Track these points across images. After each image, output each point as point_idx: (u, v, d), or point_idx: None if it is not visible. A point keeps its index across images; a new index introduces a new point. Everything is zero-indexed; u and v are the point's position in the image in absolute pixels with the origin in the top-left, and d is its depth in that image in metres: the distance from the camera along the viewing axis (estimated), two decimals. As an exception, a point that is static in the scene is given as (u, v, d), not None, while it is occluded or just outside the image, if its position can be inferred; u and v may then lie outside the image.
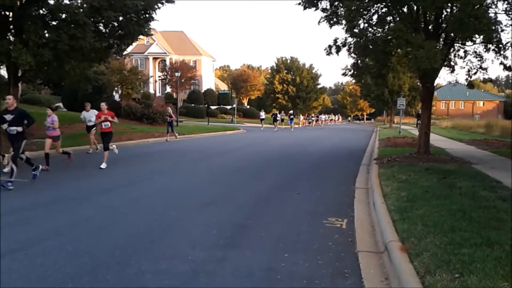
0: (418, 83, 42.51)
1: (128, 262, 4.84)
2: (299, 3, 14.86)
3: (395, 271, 4.54)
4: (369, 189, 9.43)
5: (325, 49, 15.00)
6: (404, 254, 4.76)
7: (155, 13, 18.13)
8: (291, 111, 48.62)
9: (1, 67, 17.24)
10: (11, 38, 16.34)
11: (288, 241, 5.73)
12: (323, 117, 74.85)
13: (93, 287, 4.20)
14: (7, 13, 15.75)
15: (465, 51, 15.08)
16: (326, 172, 12.89)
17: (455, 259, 4.40)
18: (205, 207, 7.77)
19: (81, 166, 13.56)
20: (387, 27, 14.11)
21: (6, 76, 19.00)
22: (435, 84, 16.13)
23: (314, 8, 14.78)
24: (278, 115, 44.77)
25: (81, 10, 15.16)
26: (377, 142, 24.17)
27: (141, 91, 48.97)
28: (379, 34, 14.28)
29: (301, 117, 62.99)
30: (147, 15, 18.09)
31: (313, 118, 66.71)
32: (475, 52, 14.83)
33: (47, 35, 15.68)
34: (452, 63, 15.52)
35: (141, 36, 19.98)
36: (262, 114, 47.71)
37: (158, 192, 9.19)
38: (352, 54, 15.30)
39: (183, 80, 55.05)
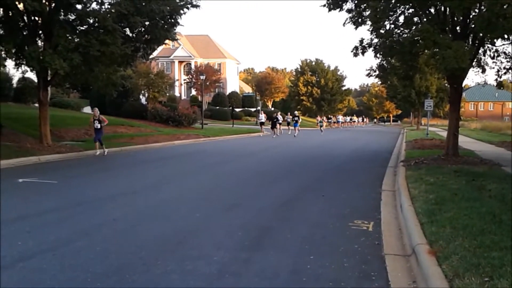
0: (446, 84, 41.82)
1: (155, 262, 4.90)
2: (324, 5, 14.81)
3: (423, 274, 4.47)
4: (396, 192, 9.31)
5: (351, 50, 14.92)
6: (432, 257, 4.69)
7: (181, 17, 18.35)
8: (296, 112, 39.56)
9: (32, 71, 17.64)
10: (40, 43, 16.79)
11: (313, 244, 5.70)
12: (341, 118, 69.62)
13: (120, 287, 4.27)
14: (36, 18, 16.17)
15: (496, 51, 14.78)
16: (352, 174, 12.78)
17: (484, 263, 4.31)
18: (229, 209, 7.81)
19: (107, 168, 13.81)
20: (413, 28, 13.93)
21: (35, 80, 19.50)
22: (463, 85, 15.84)
23: (339, 9, 14.71)
24: (279, 118, 34.99)
25: (109, 16, 15.44)
26: (404, 144, 23.84)
27: (167, 94, 49.50)
28: (405, 35, 14.12)
29: (318, 119, 58.00)
30: (173, 20, 18.31)
31: (330, 120, 62.72)
32: (504, 52, 14.52)
33: (76, 39, 16.03)
34: (482, 64, 15.22)
35: (167, 41, 20.24)
36: (262, 117, 37.70)
37: (184, 194, 9.29)
38: (378, 55, 15.16)
39: (208, 83, 55.45)
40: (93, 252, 5.24)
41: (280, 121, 35.13)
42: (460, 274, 4.14)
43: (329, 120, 62.75)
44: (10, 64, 17.53)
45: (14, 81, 33.09)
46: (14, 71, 22.14)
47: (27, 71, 18.66)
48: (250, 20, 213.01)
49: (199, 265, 4.83)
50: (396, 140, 31.15)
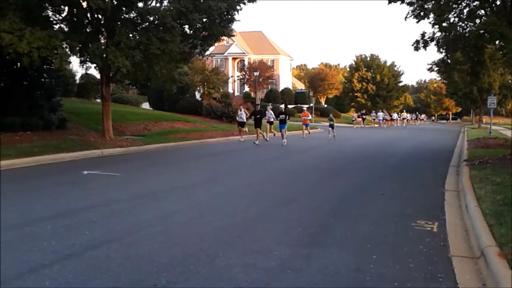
0: (510, 81, 39.65)
1: (217, 254, 4.97)
2: (384, -3, 14.48)
3: (494, 277, 4.28)
4: (460, 192, 8.95)
5: (412, 44, 14.48)
6: (503, 260, 4.48)
7: (238, 13, 18.51)
8: (282, 105, 25.77)
9: (95, 68, 18.39)
10: (103, 40, 17.45)
11: (375, 243, 5.57)
12: (381, 114, 54.07)
13: (185, 278, 4.35)
14: (100, 16, 16.81)
15: None
16: (411, 173, 12.43)
17: (562, 268, 4.06)
18: (286, 204, 7.81)
19: (166, 162, 14.17)
20: (478, 21, 13.34)
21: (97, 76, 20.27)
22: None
23: (400, 2, 14.30)
24: (270, 114, 23.94)
25: (168, 13, 15.80)
26: (466, 143, 22.89)
27: (221, 91, 50.17)
28: (470, 28, 13.54)
29: (354, 114, 49.86)
30: (230, 16, 18.51)
31: (364, 117, 48.69)
32: None
33: (137, 37, 16.54)
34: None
35: (222, 37, 20.48)
36: (242, 115, 23.46)
37: (240, 189, 9.38)
38: (441, 49, 14.63)
39: (261, 80, 55.71)
40: (157, 242, 5.38)
41: (272, 119, 24.04)
42: (534, 278, 3.92)
43: (363, 117, 49.03)
44: (74, 61, 18.34)
45: (77, 77, 34.72)
46: (78, 68, 23.19)
47: (90, 68, 19.44)
48: (303, 15, 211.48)
49: (260, 259, 4.85)
50: (457, 139, 29.96)
